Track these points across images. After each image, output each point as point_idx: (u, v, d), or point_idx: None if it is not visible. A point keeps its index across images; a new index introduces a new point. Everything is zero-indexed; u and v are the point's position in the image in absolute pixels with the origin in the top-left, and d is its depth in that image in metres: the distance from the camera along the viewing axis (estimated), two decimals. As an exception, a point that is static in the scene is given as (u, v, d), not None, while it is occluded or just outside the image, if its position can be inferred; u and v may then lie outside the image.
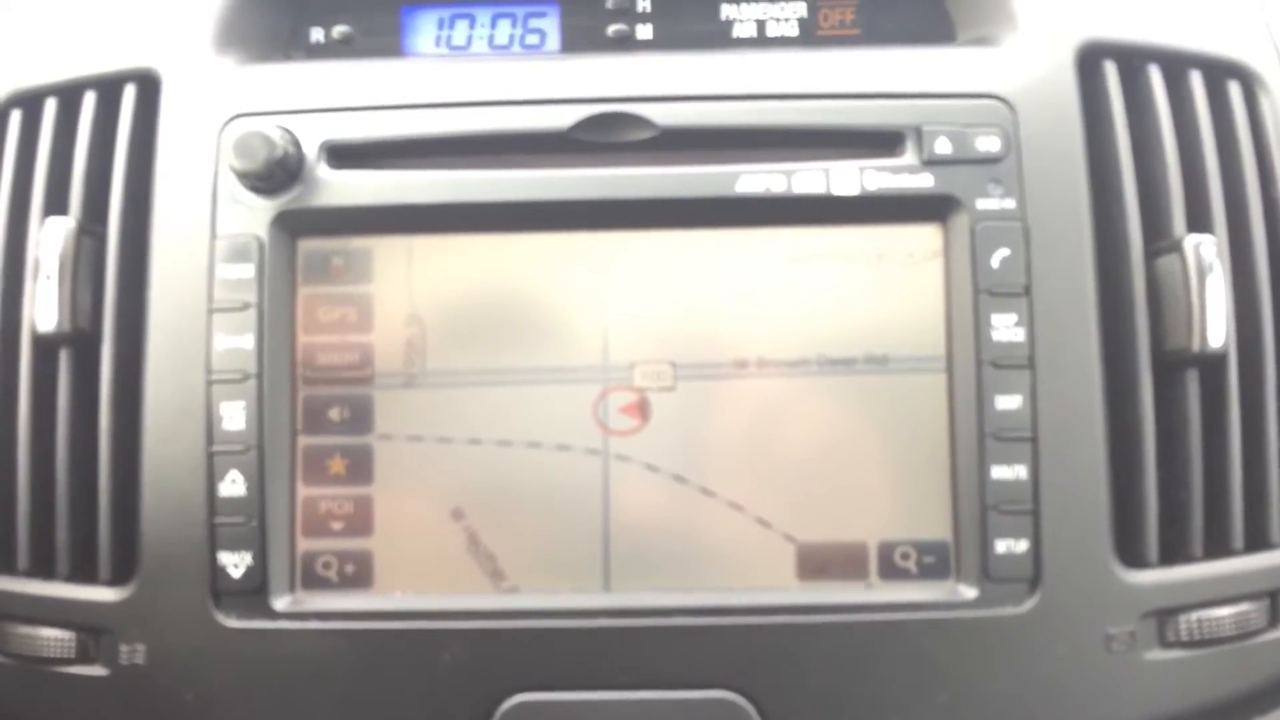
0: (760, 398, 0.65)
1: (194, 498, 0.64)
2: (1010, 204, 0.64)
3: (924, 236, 0.65)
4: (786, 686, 0.63)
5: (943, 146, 0.65)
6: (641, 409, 0.65)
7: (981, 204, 0.64)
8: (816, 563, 0.65)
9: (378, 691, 0.63)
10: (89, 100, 0.69)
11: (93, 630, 0.65)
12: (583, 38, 0.75)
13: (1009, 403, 0.63)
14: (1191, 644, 0.63)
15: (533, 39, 0.75)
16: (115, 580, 0.65)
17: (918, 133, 0.65)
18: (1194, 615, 0.63)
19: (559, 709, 0.62)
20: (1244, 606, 0.64)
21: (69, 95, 0.70)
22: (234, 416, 0.64)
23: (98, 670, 0.65)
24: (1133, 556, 0.64)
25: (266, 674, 0.64)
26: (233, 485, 0.64)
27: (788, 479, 0.65)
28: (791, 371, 0.65)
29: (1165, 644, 0.64)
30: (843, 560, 0.65)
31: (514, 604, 0.64)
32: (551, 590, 0.64)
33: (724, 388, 0.66)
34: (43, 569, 0.66)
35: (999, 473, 0.63)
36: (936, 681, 0.63)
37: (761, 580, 0.65)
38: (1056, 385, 0.63)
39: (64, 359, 0.66)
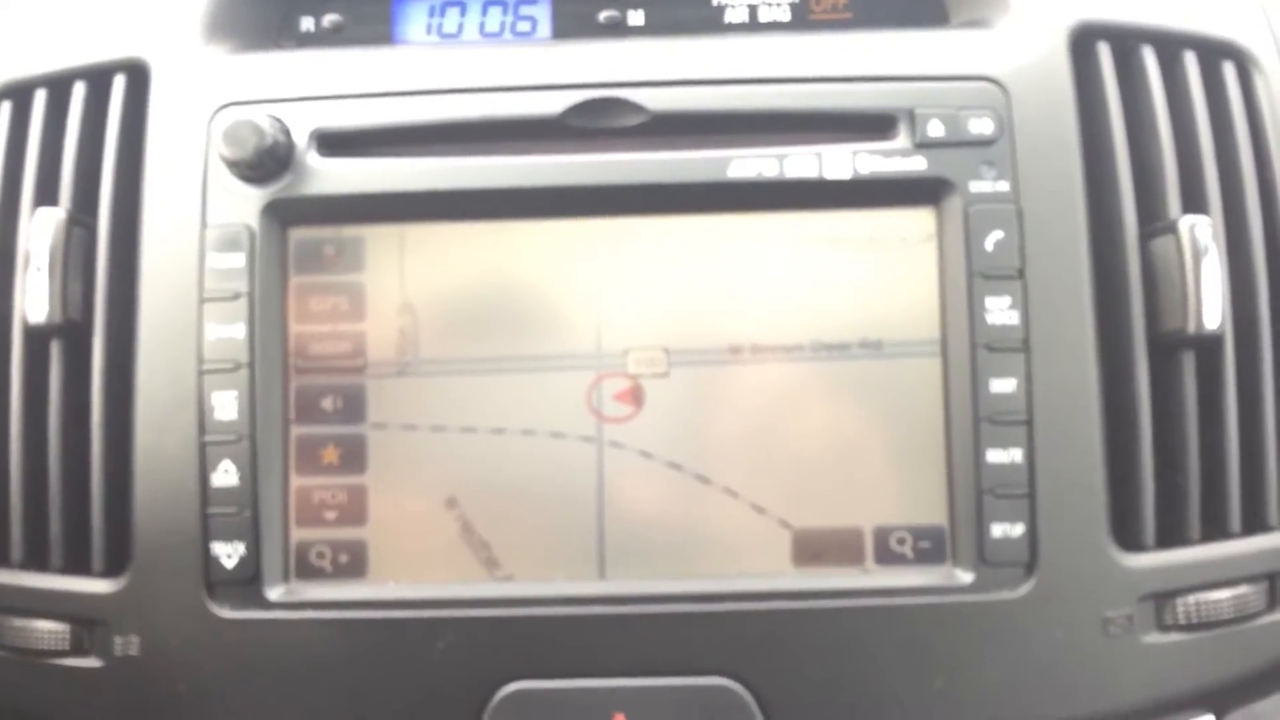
0: (754, 384, 0.65)
1: (186, 488, 0.64)
2: (1004, 186, 0.64)
3: (917, 220, 0.65)
4: (783, 672, 0.62)
5: (935, 129, 0.64)
6: (635, 396, 0.65)
7: (975, 186, 0.64)
8: (812, 548, 0.64)
9: (373, 681, 0.63)
10: (78, 91, 0.69)
11: (86, 622, 0.65)
12: (574, 24, 0.75)
13: (1004, 386, 0.63)
14: (1189, 627, 0.63)
15: (524, 26, 0.75)
16: (109, 572, 0.65)
17: (910, 116, 0.65)
18: (1191, 598, 0.63)
19: (554, 697, 0.62)
20: (1242, 589, 0.64)
21: (58, 86, 0.69)
22: (226, 406, 0.64)
23: (92, 662, 0.65)
24: (1129, 540, 0.63)
25: (261, 664, 0.63)
26: (225, 475, 0.64)
27: (783, 465, 0.65)
28: (786, 357, 0.65)
29: (1163, 627, 0.63)
30: (838, 546, 0.64)
31: (508, 592, 0.64)
32: (546, 578, 0.64)
33: (718, 374, 0.65)
34: (36, 561, 0.66)
35: (994, 456, 0.63)
36: (933, 666, 0.62)
37: (757, 566, 0.64)
38: (1051, 368, 0.63)
39: (55, 350, 0.66)
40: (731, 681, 0.62)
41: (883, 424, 0.65)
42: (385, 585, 0.65)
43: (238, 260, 0.65)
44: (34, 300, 0.65)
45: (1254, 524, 0.65)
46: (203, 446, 0.64)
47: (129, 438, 0.65)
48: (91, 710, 0.65)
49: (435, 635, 0.63)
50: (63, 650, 0.65)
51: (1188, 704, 0.65)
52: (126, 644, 0.64)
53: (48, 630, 0.65)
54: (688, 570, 0.64)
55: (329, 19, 0.75)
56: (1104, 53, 0.67)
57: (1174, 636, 0.63)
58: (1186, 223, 0.63)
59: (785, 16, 0.74)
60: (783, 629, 0.63)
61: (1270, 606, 0.65)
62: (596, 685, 0.62)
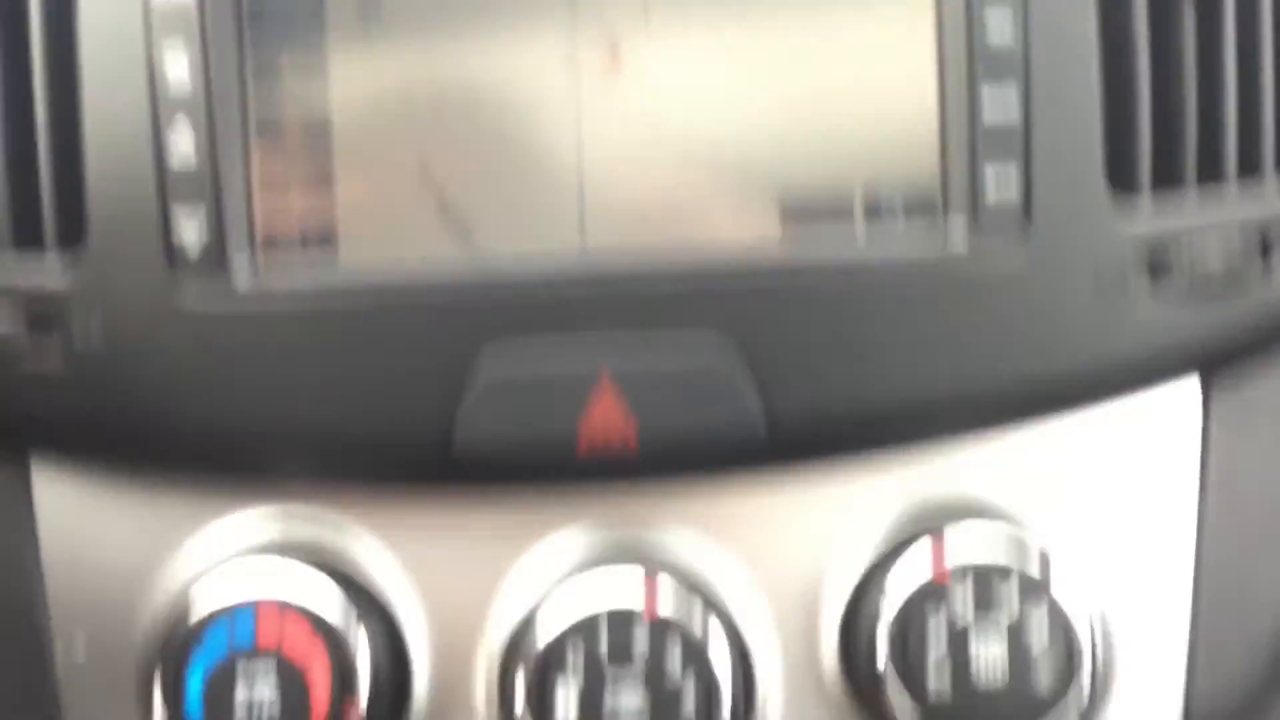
0: (741, 38, 0.62)
1: (140, 155, 0.60)
2: None
3: None
4: (771, 328, 0.61)
5: None
6: (614, 52, 0.62)
7: None
8: (801, 208, 0.62)
9: (351, 358, 0.61)
10: None
11: (43, 316, 0.61)
12: None
13: (999, 20, 0.60)
14: (1181, 278, 0.62)
15: None
16: (63, 249, 0.61)
17: None
18: (1184, 242, 0.62)
19: (538, 351, 0.60)
20: (1234, 240, 0.62)
21: None
22: (177, 63, 0.60)
23: (51, 357, 0.61)
24: (1125, 186, 0.62)
25: (229, 344, 0.61)
26: (181, 137, 0.60)
27: (770, 123, 0.62)
28: (773, 7, 0.62)
29: (1154, 276, 0.62)
30: (828, 206, 0.62)
31: (486, 260, 0.61)
32: (525, 244, 0.62)
33: (702, 28, 0.62)
34: None
35: (990, 98, 0.60)
36: (924, 321, 0.61)
37: (744, 229, 0.62)
38: (1049, 6, 0.60)
39: None
40: (719, 333, 0.60)
41: (874, 77, 0.62)
42: (358, 259, 0.62)
43: None
44: (-40, -51, 0.60)
45: (1249, 170, 0.63)
46: (155, 108, 0.60)
47: (75, 101, 0.61)
48: (54, 408, 0.62)
49: (413, 306, 0.60)
50: (20, 348, 0.61)
51: (1176, 362, 0.65)
52: (86, 331, 0.61)
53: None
54: (672, 234, 0.62)
55: None
56: None
57: (1165, 289, 0.62)
58: None
59: None
60: (770, 287, 0.61)
61: (1263, 258, 0.64)
62: (582, 338, 0.60)
